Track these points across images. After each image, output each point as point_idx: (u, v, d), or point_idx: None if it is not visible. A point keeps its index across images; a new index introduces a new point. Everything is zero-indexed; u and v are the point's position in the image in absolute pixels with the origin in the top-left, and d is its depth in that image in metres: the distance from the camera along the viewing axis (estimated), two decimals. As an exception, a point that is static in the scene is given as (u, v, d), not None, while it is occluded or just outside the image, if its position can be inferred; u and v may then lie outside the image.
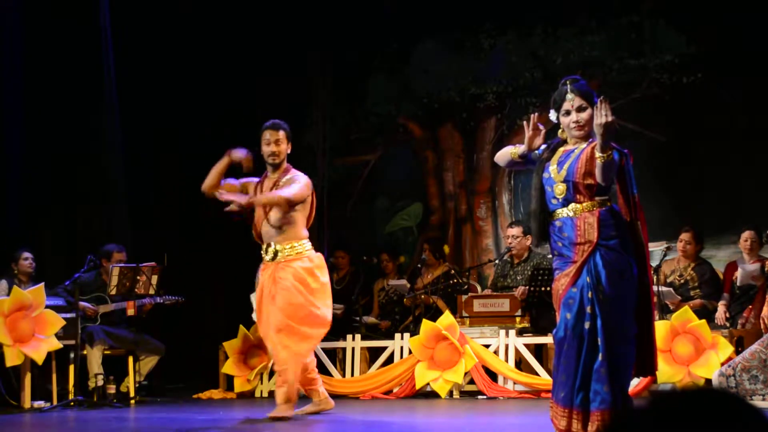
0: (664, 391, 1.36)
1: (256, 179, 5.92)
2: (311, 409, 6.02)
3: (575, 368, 3.79)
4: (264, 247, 5.79)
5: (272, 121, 5.84)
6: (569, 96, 3.90)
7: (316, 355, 8.04)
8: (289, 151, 5.88)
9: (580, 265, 3.81)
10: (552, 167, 3.94)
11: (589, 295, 3.78)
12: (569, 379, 3.81)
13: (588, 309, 3.79)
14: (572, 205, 3.88)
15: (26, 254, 7.73)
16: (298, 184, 5.70)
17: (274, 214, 5.72)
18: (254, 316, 6.21)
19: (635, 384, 7.02)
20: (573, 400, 3.81)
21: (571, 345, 3.80)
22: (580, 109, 3.90)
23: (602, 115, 3.65)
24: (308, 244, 5.81)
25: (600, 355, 3.74)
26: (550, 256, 4.12)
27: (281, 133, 5.80)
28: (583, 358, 3.78)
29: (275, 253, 5.72)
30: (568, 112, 3.93)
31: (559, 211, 3.92)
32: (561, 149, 3.99)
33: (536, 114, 4.02)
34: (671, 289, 7.41)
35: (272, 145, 5.76)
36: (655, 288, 6.97)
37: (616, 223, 3.85)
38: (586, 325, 3.78)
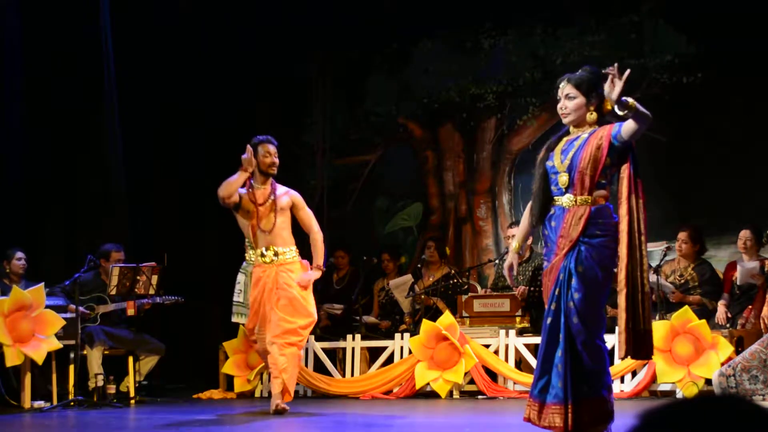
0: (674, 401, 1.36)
1: (241, 190, 6.24)
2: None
3: (541, 361, 3.96)
4: (259, 250, 6.19)
5: (267, 137, 6.27)
6: (562, 84, 4.08)
7: (316, 355, 8.06)
8: None
9: (558, 262, 3.92)
10: (556, 156, 4.03)
11: (557, 292, 3.89)
12: (536, 371, 4.00)
13: (560, 304, 3.89)
14: (568, 196, 3.97)
15: (19, 254, 7.69)
16: (308, 209, 6.37)
17: (269, 223, 6.18)
18: (240, 318, 6.51)
19: (635, 384, 7.03)
20: (533, 390, 3.99)
21: (542, 339, 3.97)
22: (567, 98, 4.04)
23: (611, 90, 3.85)
24: (296, 249, 6.33)
25: (560, 350, 3.85)
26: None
27: (275, 148, 6.27)
28: (547, 351, 3.93)
29: (276, 255, 6.19)
30: (559, 100, 4.08)
31: (557, 198, 4.02)
32: (564, 139, 4.10)
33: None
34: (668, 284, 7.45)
35: (271, 157, 6.22)
36: (653, 278, 6.99)
37: (604, 223, 3.93)
38: (548, 320, 3.92)
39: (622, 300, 3.93)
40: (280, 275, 6.13)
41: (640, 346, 3.96)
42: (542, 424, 3.91)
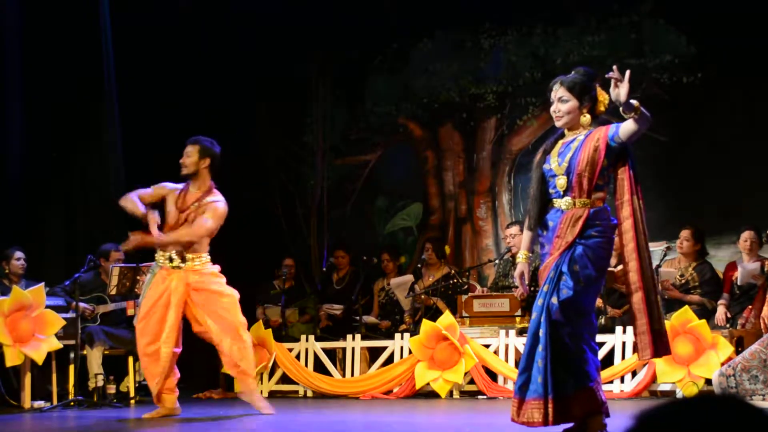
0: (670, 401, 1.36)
1: (178, 186, 6.09)
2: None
3: (525, 358, 3.95)
4: (167, 254, 5.95)
5: (191, 138, 6.10)
6: (555, 87, 4.06)
7: (316, 355, 8.06)
8: (205, 166, 6.04)
9: (551, 261, 3.94)
10: (553, 160, 4.04)
11: (545, 288, 3.91)
12: (519, 369, 4.00)
13: (545, 300, 3.89)
14: (567, 199, 3.99)
15: (18, 254, 7.68)
16: (212, 219, 5.92)
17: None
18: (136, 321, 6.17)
19: (635, 384, 7.03)
20: (515, 388, 3.99)
21: (528, 336, 3.98)
22: (560, 101, 4.04)
23: (618, 93, 3.84)
24: (208, 257, 6.07)
25: (540, 346, 3.86)
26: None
27: (193, 147, 6.03)
28: (530, 348, 3.92)
29: (182, 261, 5.95)
30: (552, 103, 4.07)
31: (555, 201, 4.03)
32: (560, 141, 4.10)
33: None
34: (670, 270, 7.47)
35: (183, 158, 6.03)
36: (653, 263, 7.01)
37: (602, 224, 3.94)
38: (533, 315, 3.94)
39: (639, 301, 3.92)
40: (190, 277, 5.92)
41: (660, 345, 3.98)
42: (520, 420, 3.91)
